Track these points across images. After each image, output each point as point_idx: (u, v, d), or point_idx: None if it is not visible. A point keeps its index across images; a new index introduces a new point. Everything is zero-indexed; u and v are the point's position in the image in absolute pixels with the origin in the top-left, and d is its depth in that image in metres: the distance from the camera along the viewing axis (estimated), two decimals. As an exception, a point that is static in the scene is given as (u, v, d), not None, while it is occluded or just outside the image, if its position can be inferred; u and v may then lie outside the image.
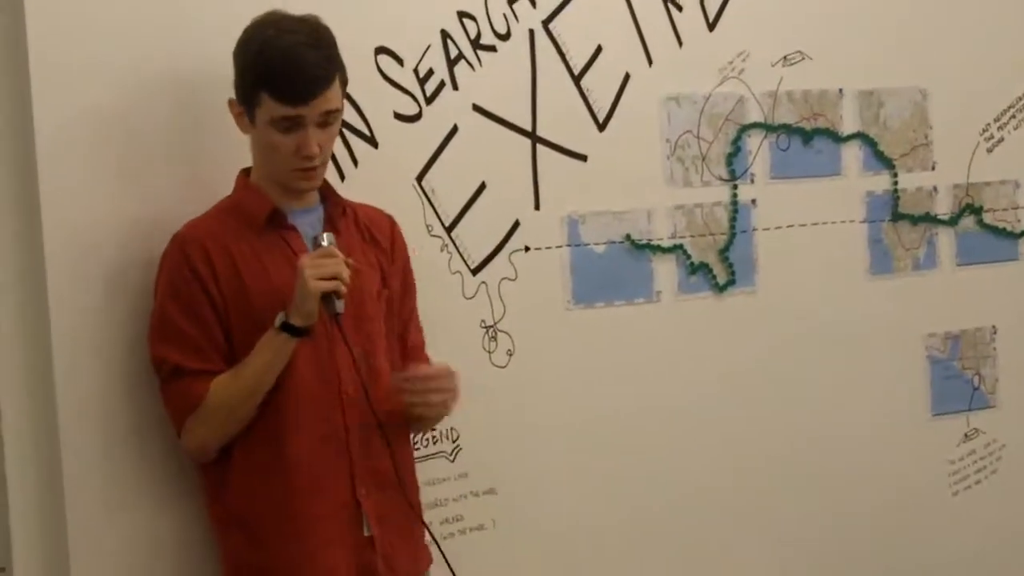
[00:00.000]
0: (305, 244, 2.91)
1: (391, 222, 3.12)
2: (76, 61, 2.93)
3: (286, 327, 2.81)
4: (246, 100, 2.87)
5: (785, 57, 3.88)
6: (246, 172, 2.99)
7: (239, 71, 2.87)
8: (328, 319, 2.85)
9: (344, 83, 2.92)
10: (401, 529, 2.98)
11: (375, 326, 2.99)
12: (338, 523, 2.89)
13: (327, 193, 3.01)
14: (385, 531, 2.94)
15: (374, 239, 3.05)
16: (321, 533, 2.88)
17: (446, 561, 3.08)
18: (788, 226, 3.89)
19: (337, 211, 2.99)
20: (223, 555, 2.96)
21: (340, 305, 2.84)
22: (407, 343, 3.11)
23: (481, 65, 3.48)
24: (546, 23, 3.56)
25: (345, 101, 3.03)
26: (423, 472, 3.28)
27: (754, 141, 3.85)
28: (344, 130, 3.26)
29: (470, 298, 3.48)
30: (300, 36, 2.83)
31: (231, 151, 3.01)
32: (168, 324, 2.86)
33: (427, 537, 3.07)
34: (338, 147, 3.26)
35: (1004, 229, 4.23)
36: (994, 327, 4.22)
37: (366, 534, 2.91)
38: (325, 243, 2.85)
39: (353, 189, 3.20)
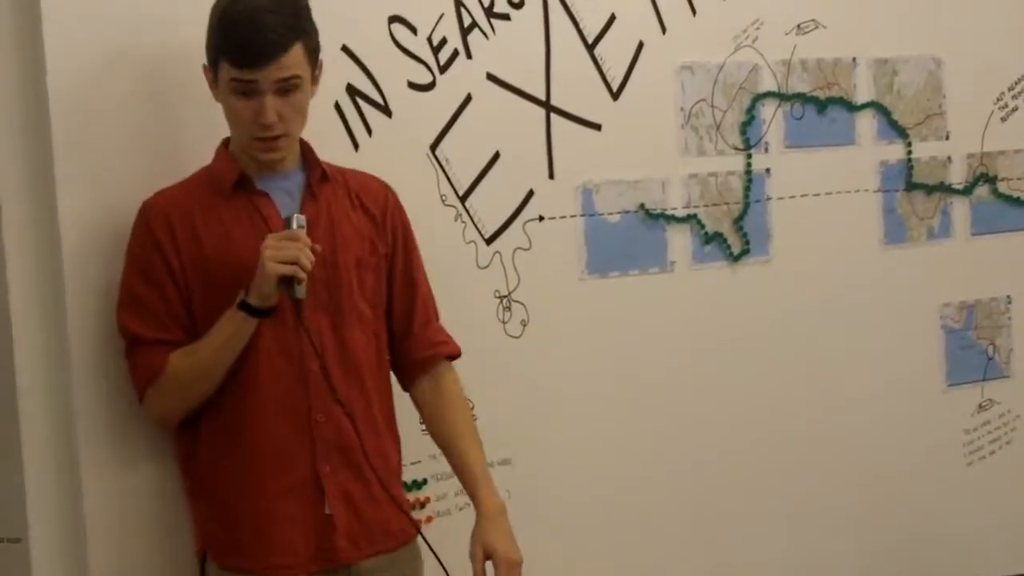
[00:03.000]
0: (278, 209, 2.87)
1: (386, 190, 3.06)
2: (85, 26, 2.93)
3: (243, 306, 2.78)
4: (211, 63, 2.84)
5: (799, 25, 3.86)
6: (227, 141, 2.95)
7: (207, 32, 2.84)
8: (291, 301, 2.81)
9: (311, 51, 2.85)
10: (372, 506, 2.94)
11: (349, 298, 2.94)
12: (298, 500, 2.86)
13: (308, 158, 2.96)
14: (351, 509, 2.91)
15: (364, 206, 3.00)
16: (279, 509, 2.85)
17: (430, 547, 3.00)
18: (802, 195, 3.88)
19: (315, 176, 2.94)
20: (193, 524, 2.96)
21: (301, 291, 2.78)
22: (414, 319, 3.07)
23: (495, 34, 3.46)
24: (560, -9, 3.55)
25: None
26: (438, 443, 3.31)
27: (768, 110, 3.83)
28: (358, 99, 3.27)
29: (484, 268, 3.48)
30: (263, 1, 2.78)
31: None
32: (131, 293, 2.85)
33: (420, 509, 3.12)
34: (352, 116, 3.26)
35: (1019, 198, 4.22)
36: (1009, 297, 4.21)
37: (327, 512, 2.88)
38: (294, 225, 2.78)
39: (367, 158, 3.20)
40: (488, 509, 2.98)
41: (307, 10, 2.86)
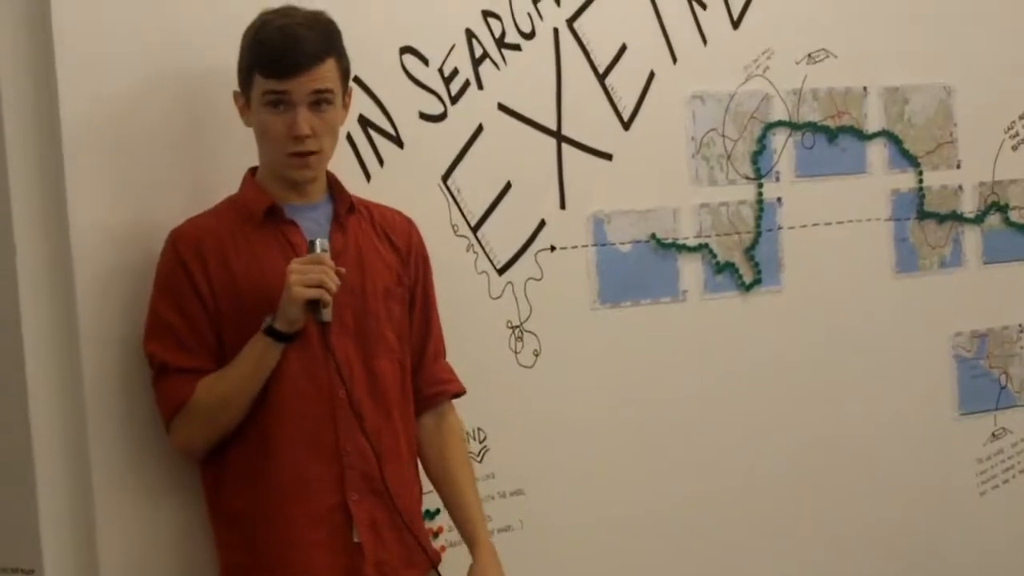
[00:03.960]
0: (306, 239, 2.88)
1: (409, 225, 3.10)
2: (99, 52, 2.93)
3: (270, 332, 2.79)
4: (243, 84, 2.87)
5: (810, 55, 3.87)
6: (253, 171, 2.97)
7: (239, 56, 2.88)
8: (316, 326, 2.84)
9: (343, 70, 2.91)
10: (398, 535, 2.94)
11: (377, 326, 2.96)
12: (325, 527, 2.86)
13: (335, 189, 2.99)
14: (378, 537, 2.90)
15: (389, 239, 3.02)
16: (305, 536, 2.85)
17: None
18: (814, 225, 3.88)
19: (343, 207, 2.97)
20: (218, 552, 2.94)
21: (326, 314, 2.81)
22: (425, 354, 3.09)
23: (506, 64, 3.46)
24: (570, 22, 3.55)
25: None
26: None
27: (779, 139, 3.83)
28: (370, 130, 3.27)
29: (496, 298, 3.46)
30: (297, 18, 2.84)
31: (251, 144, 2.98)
32: (158, 320, 2.85)
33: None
34: (364, 147, 3.26)
35: (1030, 227, 4.23)
36: (1021, 326, 4.20)
37: (355, 540, 2.88)
38: (317, 249, 2.81)
39: (379, 189, 3.19)
40: (487, 550, 3.04)
41: (339, 33, 2.90)
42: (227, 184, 2.98)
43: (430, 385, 3.08)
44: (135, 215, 2.96)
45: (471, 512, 3.06)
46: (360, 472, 2.89)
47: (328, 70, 2.85)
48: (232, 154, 3.01)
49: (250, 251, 2.87)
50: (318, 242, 2.82)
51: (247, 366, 2.82)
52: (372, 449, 2.87)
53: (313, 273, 2.76)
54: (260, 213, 2.89)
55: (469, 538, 3.05)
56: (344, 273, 2.82)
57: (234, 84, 2.91)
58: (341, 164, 3.08)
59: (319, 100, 2.84)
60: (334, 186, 2.99)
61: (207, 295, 2.84)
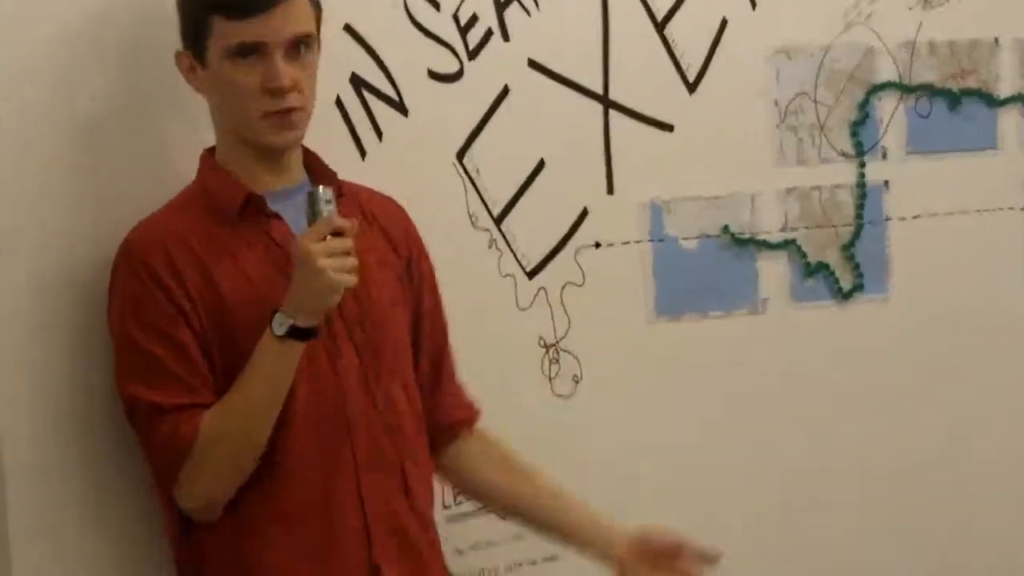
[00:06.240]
0: (292, 232, 2.60)
1: (405, 215, 2.82)
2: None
3: (295, 332, 2.50)
4: (195, 39, 2.60)
5: (926, -2, 3.61)
6: (211, 152, 2.71)
7: (183, 8, 2.64)
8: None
9: (316, 4, 2.64)
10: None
11: (388, 338, 2.69)
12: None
13: (315, 166, 2.73)
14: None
15: (384, 231, 2.76)
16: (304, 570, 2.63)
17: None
18: (930, 215, 3.59)
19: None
20: None
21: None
22: (443, 368, 2.84)
23: (539, 9, 3.18)
24: (622, -46, 3.33)
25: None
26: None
27: (887, 106, 3.53)
28: (365, 92, 3.01)
29: (525, 309, 3.19)
30: None
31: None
32: (135, 354, 2.56)
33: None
34: (357, 114, 3.00)
35: None
36: None
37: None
38: (322, 206, 2.52)
39: (377, 168, 2.95)
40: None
41: None
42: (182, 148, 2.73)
43: (459, 408, 2.87)
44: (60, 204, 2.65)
45: (591, 512, 2.83)
46: (387, 520, 2.67)
47: (302, 7, 2.60)
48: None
49: (229, 257, 2.61)
50: (321, 191, 2.54)
51: (264, 378, 2.55)
52: (407, 489, 2.70)
53: (343, 248, 2.50)
54: (236, 208, 2.62)
55: (604, 536, 2.83)
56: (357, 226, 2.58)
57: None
58: (329, 137, 2.83)
59: (297, 44, 2.59)
60: (314, 164, 2.72)
61: (189, 310, 2.56)
